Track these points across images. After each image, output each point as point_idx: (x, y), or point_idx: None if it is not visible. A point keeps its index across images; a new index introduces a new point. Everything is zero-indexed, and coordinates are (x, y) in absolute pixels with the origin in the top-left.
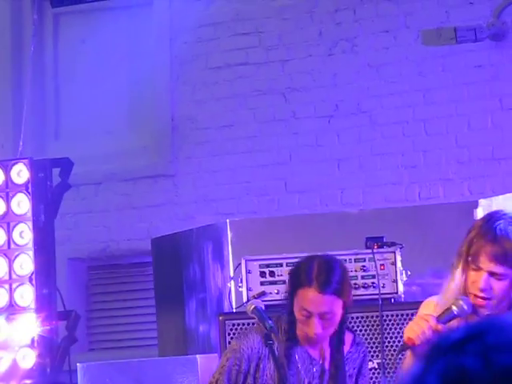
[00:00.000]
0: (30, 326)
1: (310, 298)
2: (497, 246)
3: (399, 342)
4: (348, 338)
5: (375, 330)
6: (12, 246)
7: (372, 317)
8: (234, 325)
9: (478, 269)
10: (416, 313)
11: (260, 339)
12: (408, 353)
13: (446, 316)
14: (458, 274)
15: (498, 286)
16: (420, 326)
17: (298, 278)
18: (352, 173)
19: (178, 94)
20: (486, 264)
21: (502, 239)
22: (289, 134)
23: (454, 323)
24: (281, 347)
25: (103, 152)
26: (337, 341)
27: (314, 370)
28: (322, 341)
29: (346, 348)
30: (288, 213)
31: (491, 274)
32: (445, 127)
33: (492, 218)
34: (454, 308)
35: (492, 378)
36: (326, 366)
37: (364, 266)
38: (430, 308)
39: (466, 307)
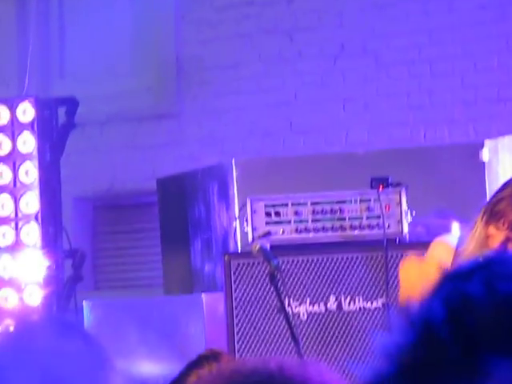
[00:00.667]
0: (36, 264)
1: None
2: None
3: None
4: None
5: (380, 270)
6: (18, 184)
7: (377, 257)
8: (239, 264)
9: (498, 229)
10: (421, 253)
11: None
12: None
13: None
14: (481, 226)
15: None
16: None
17: None
18: (357, 113)
19: (183, 33)
20: (507, 229)
21: None
22: (294, 73)
23: None
24: None
25: (108, 92)
26: None
27: None
28: None
29: None
30: (293, 153)
31: (509, 238)
32: (451, 68)
33: None
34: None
35: (493, 304)
36: None
37: (369, 207)
38: (445, 249)
39: None
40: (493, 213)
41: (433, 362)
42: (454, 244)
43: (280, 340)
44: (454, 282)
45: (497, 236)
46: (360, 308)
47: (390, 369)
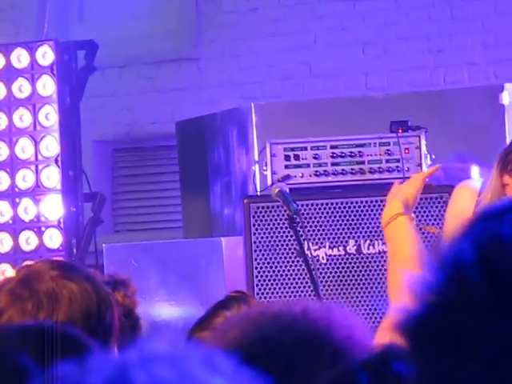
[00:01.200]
0: (56, 206)
1: None
2: None
3: (423, 224)
4: None
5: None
6: (38, 127)
7: None
8: (258, 208)
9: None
10: (440, 197)
11: None
12: None
13: None
14: (496, 175)
15: None
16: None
17: None
18: (377, 57)
19: None
20: None
21: None
22: (313, 17)
23: None
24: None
25: (127, 35)
26: None
27: None
28: None
29: None
30: (312, 97)
31: None
32: (471, 11)
33: None
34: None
35: None
36: None
37: (388, 150)
38: (468, 194)
39: None
40: (506, 161)
41: (463, 305)
42: (478, 188)
43: (300, 283)
44: (486, 222)
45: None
46: (379, 251)
47: (419, 309)
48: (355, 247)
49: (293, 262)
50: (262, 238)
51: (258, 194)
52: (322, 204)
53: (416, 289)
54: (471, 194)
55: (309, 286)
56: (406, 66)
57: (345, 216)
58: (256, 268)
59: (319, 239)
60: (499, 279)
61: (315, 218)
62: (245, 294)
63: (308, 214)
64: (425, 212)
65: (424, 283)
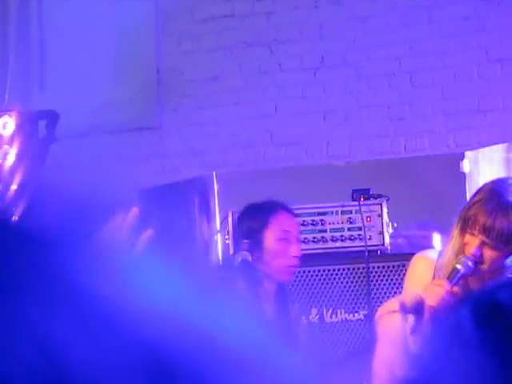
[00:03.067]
0: None
1: (286, 219)
2: (493, 219)
3: (385, 293)
4: None
5: (362, 281)
6: None
7: (358, 268)
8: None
9: (473, 235)
10: (402, 265)
11: None
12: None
13: (455, 276)
14: (456, 235)
15: (489, 254)
16: (437, 293)
17: (263, 213)
18: (338, 125)
19: (164, 46)
20: (480, 233)
21: (502, 214)
22: (274, 86)
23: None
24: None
25: (88, 104)
26: (283, 294)
27: None
28: (290, 275)
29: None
30: (274, 165)
31: (484, 242)
32: (431, 79)
33: (498, 186)
34: (459, 267)
35: None
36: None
37: (350, 218)
38: (426, 265)
39: (470, 263)
40: (466, 219)
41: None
42: (435, 258)
43: None
44: (482, 294)
45: (472, 242)
46: (342, 320)
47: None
48: (318, 316)
49: None
50: None
51: (220, 263)
52: None
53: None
54: (429, 263)
55: None
56: (367, 134)
57: (307, 284)
58: None
59: None
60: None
61: None
62: None
63: None
64: (387, 280)
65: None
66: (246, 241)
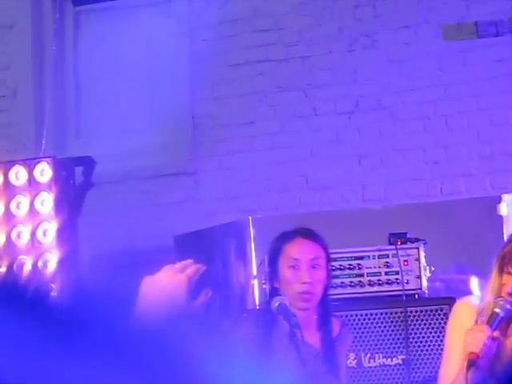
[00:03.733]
0: None
1: (298, 246)
2: None
3: (423, 337)
4: (336, 323)
5: (399, 325)
6: (36, 244)
7: (396, 313)
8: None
9: (509, 273)
10: (440, 309)
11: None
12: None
13: (494, 320)
14: (494, 276)
15: None
16: (479, 339)
17: (278, 242)
18: (373, 169)
19: (198, 91)
20: None
21: None
22: (309, 130)
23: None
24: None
25: (124, 150)
26: (324, 323)
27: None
28: (311, 300)
29: (336, 331)
30: (309, 209)
31: None
32: (466, 122)
33: None
34: (497, 310)
35: None
36: (319, 348)
37: (387, 262)
38: (468, 311)
39: (508, 306)
40: (502, 258)
41: None
42: (476, 303)
43: None
44: None
45: (509, 281)
46: (380, 364)
47: None
48: (355, 360)
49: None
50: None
51: (257, 307)
52: None
53: None
54: (470, 309)
55: None
56: (403, 178)
57: None
58: None
59: None
60: None
61: None
62: None
63: None
64: (425, 324)
65: None
66: (267, 269)
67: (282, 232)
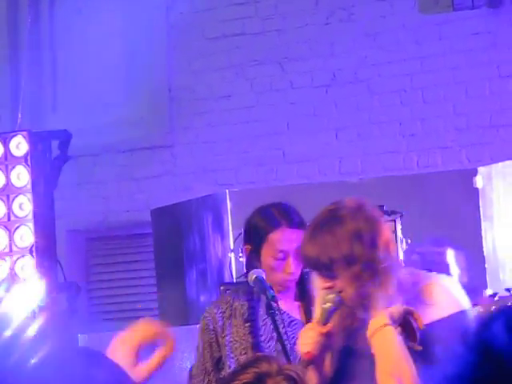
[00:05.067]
0: (30, 297)
1: (284, 237)
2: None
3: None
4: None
5: None
6: (12, 218)
7: None
8: None
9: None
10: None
11: (218, 306)
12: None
13: (326, 315)
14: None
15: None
16: (310, 337)
17: (263, 225)
18: (350, 142)
19: (175, 64)
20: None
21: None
22: (286, 103)
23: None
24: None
25: (100, 123)
26: (303, 292)
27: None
28: (292, 284)
29: None
30: (286, 182)
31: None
32: (442, 95)
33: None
34: (327, 305)
35: None
36: (297, 317)
37: None
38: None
39: (335, 296)
40: None
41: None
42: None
43: None
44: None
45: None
46: None
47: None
48: None
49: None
50: None
51: (234, 280)
52: None
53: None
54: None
55: None
56: (379, 151)
57: None
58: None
59: None
60: None
61: None
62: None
63: None
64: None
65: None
66: (247, 246)
67: (263, 211)
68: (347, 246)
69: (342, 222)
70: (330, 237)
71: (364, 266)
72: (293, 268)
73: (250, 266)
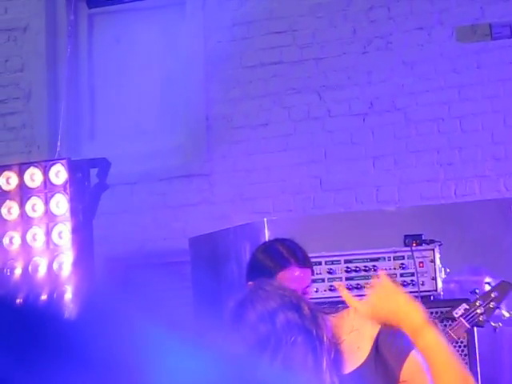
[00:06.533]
0: None
1: (294, 276)
2: None
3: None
4: None
5: None
6: (51, 246)
7: None
8: None
9: None
10: (451, 310)
11: None
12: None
13: None
14: None
15: None
16: None
17: (271, 264)
18: (387, 170)
19: (213, 93)
20: None
21: None
22: (323, 131)
23: None
24: None
25: (138, 152)
26: None
27: None
28: None
29: None
30: (324, 211)
31: None
32: (480, 124)
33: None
34: None
35: None
36: None
37: (403, 264)
38: None
39: None
40: None
41: None
42: None
43: None
44: None
45: None
46: None
47: None
48: None
49: None
50: None
51: None
52: None
53: None
54: None
55: None
56: (417, 179)
57: None
58: None
59: None
60: None
61: None
62: None
63: None
64: (441, 326)
65: None
66: (251, 283)
67: (269, 249)
68: None
69: None
70: None
71: None
72: None
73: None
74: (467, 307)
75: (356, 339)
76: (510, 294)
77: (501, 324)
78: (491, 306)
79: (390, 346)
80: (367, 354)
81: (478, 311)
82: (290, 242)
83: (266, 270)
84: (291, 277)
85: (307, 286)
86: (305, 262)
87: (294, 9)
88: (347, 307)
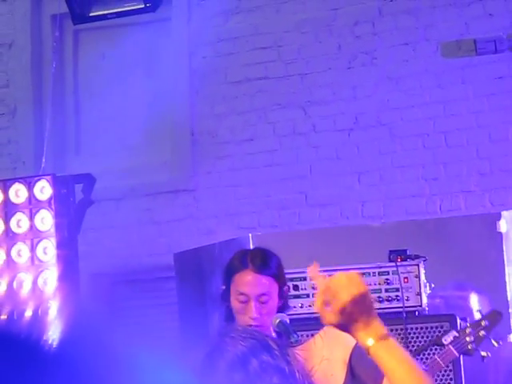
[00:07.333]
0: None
1: (247, 279)
2: None
3: (423, 354)
4: None
5: (400, 342)
6: (36, 262)
7: (396, 330)
8: None
9: None
10: (440, 326)
11: None
12: None
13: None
14: None
15: None
16: None
17: (233, 265)
18: (372, 185)
19: (198, 108)
20: None
21: None
22: (309, 147)
23: None
24: None
25: (123, 167)
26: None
27: None
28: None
29: None
30: (309, 226)
31: None
32: (465, 139)
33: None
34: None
35: None
36: None
37: (387, 279)
38: None
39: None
40: None
41: None
42: None
43: None
44: None
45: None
46: None
47: None
48: None
49: None
50: None
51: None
52: None
53: None
54: None
55: None
56: (402, 194)
57: None
58: None
59: None
60: None
61: None
62: None
63: None
64: (425, 341)
65: None
66: (223, 287)
67: (239, 253)
68: None
69: None
70: None
71: None
72: (254, 313)
73: (223, 305)
74: (456, 335)
75: (328, 368)
76: (500, 323)
77: (489, 354)
78: (481, 335)
79: (365, 368)
80: (343, 381)
81: (468, 339)
82: (262, 251)
83: (228, 271)
84: (244, 280)
85: (263, 294)
86: (261, 268)
87: (279, 25)
88: (321, 325)
